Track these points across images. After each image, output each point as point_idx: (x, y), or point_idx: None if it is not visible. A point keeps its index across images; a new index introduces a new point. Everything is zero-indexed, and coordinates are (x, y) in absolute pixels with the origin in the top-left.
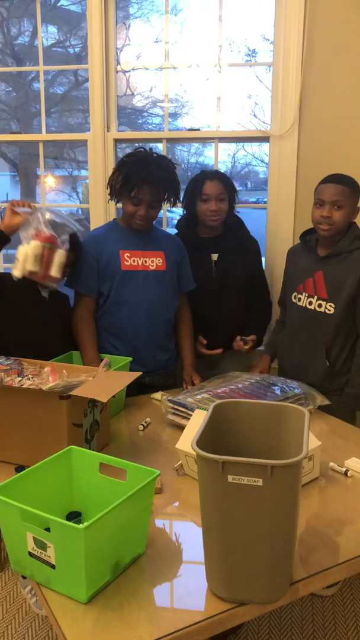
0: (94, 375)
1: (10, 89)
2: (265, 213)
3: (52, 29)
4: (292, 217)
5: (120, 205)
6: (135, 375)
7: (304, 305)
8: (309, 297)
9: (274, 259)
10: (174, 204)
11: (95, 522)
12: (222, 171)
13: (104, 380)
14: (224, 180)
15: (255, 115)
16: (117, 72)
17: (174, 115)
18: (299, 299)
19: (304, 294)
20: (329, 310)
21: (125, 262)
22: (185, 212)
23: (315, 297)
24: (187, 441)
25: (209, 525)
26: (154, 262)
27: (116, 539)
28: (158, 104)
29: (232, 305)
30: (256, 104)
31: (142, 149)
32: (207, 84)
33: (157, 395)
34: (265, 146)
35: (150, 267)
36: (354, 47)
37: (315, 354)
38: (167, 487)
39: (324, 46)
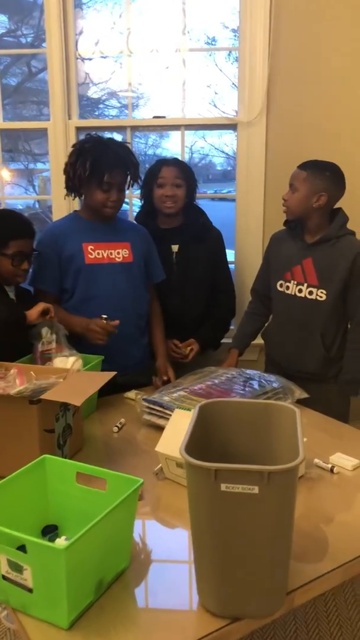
0: (64, 377)
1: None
2: (228, 205)
3: (3, 17)
4: (261, 206)
5: (76, 197)
6: (109, 375)
7: (292, 293)
8: (298, 284)
9: (244, 250)
10: (133, 184)
11: (76, 540)
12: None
13: (76, 381)
14: (182, 167)
15: (215, 105)
16: (77, 58)
17: (134, 107)
18: (287, 287)
19: (292, 281)
20: (321, 296)
21: (90, 255)
22: (143, 202)
23: (305, 284)
24: (166, 443)
25: (200, 538)
26: (120, 253)
27: (99, 555)
28: (119, 92)
29: (194, 297)
30: (216, 93)
31: (89, 134)
32: (168, 72)
33: (132, 394)
34: (226, 137)
35: (116, 259)
36: (323, 30)
37: (310, 343)
38: (147, 493)
39: (291, 28)
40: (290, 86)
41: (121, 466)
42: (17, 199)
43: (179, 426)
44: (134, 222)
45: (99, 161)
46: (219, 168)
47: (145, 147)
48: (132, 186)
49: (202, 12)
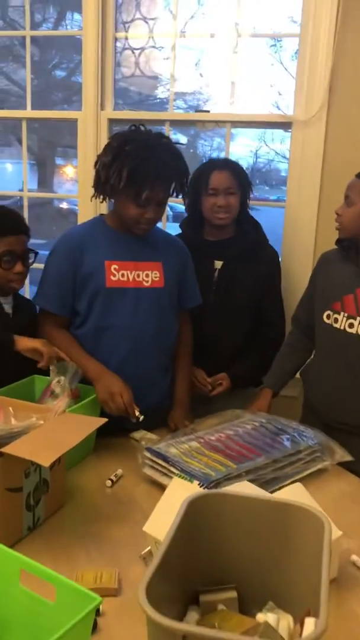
0: (46, 418)
1: (33, 76)
2: (282, 212)
3: (77, 16)
4: (314, 217)
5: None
6: (99, 422)
7: (341, 327)
8: (349, 317)
9: (291, 268)
10: (178, 195)
11: None
12: (245, 168)
13: (56, 428)
14: (235, 171)
15: (278, 108)
16: (115, 40)
17: (195, 108)
18: (335, 320)
19: (342, 313)
20: None
21: (112, 277)
22: (188, 211)
23: (358, 318)
24: (158, 522)
25: None
26: (149, 276)
27: None
28: (164, 85)
29: (233, 326)
30: (280, 94)
31: (135, 127)
32: (224, 66)
33: (138, 434)
34: (290, 142)
35: (144, 283)
36: None
37: (357, 389)
38: (128, 585)
39: None
40: (358, 82)
41: (105, 539)
42: (42, 196)
43: (174, 501)
44: (169, 232)
45: (140, 172)
46: (283, 174)
47: (210, 149)
48: (177, 195)
49: (263, 3)
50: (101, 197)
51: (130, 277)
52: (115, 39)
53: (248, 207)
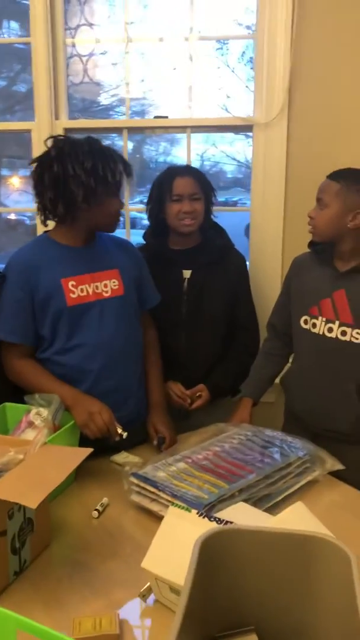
0: (26, 452)
1: None
2: (241, 216)
3: (14, 24)
4: (281, 220)
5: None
6: (84, 453)
7: (320, 332)
8: (327, 322)
9: (259, 272)
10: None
11: None
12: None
13: (38, 463)
14: (198, 177)
15: (227, 110)
16: (65, 45)
17: (140, 114)
18: (314, 324)
19: (320, 318)
20: (357, 338)
21: (72, 295)
22: (151, 221)
23: (337, 322)
24: (157, 557)
25: None
26: (108, 286)
27: None
28: (106, 91)
29: (208, 335)
30: (228, 97)
31: (54, 137)
32: (175, 72)
33: (120, 457)
34: (239, 144)
35: (104, 294)
36: (353, 16)
37: (342, 395)
38: (129, 627)
39: (318, 16)
40: (316, 80)
41: (97, 577)
42: (23, 210)
43: (173, 533)
44: (116, 236)
45: (112, 165)
46: (230, 176)
47: (155, 154)
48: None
49: (213, 9)
50: (57, 215)
51: (90, 291)
52: (65, 45)
53: (212, 213)
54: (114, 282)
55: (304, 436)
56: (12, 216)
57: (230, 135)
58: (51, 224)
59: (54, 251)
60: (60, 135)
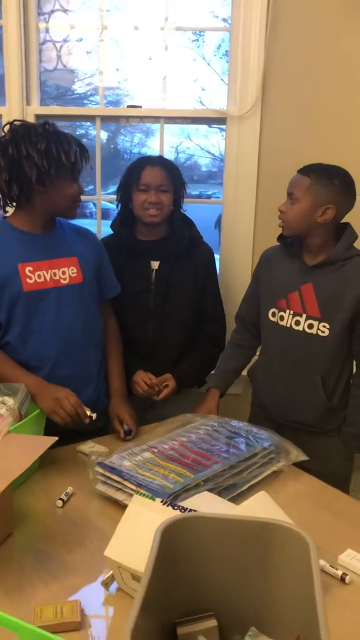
0: None
1: None
2: (215, 209)
3: None
4: (252, 213)
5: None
6: (49, 442)
7: (288, 325)
8: (295, 315)
9: (230, 264)
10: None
11: None
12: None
13: (1, 452)
14: (169, 168)
15: (202, 103)
16: (38, 31)
17: (115, 104)
18: (281, 317)
19: (287, 311)
20: (323, 331)
21: (28, 280)
22: (119, 208)
23: (304, 315)
24: (120, 546)
25: None
26: (66, 273)
27: None
28: (81, 79)
29: (175, 327)
30: (203, 89)
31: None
32: (150, 62)
33: (86, 447)
34: (213, 137)
35: (62, 281)
36: (328, 10)
37: (308, 387)
38: (92, 615)
39: (293, 11)
40: (290, 75)
41: (60, 566)
42: None
43: (137, 522)
44: (78, 225)
45: (67, 149)
46: (204, 169)
47: (130, 145)
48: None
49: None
50: (12, 198)
51: (47, 277)
52: (38, 29)
53: (181, 206)
54: (72, 269)
55: (270, 427)
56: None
57: (204, 128)
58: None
59: (12, 236)
60: (17, 120)
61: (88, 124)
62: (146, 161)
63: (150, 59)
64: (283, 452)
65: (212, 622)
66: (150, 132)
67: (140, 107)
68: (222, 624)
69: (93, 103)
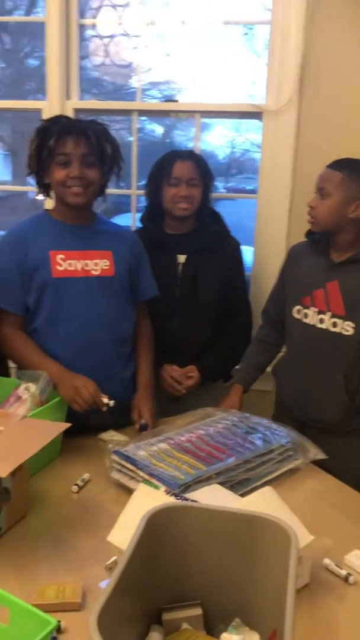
0: (7, 423)
1: (5, 65)
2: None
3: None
4: (287, 208)
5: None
6: (61, 427)
7: (312, 323)
8: (319, 313)
9: (263, 260)
10: (117, 173)
11: None
12: (222, 158)
13: (15, 434)
14: (199, 163)
15: (252, 97)
16: (80, 27)
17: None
18: (305, 315)
19: (312, 308)
20: (347, 330)
21: (58, 267)
22: (148, 202)
23: (329, 313)
24: (123, 532)
25: None
26: (98, 265)
27: None
28: (145, 74)
29: (200, 320)
30: (254, 83)
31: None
32: (196, 55)
33: (107, 435)
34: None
35: (93, 272)
36: None
37: (330, 386)
38: (93, 598)
39: (332, 1)
40: (328, 69)
41: (69, 549)
42: (6, 189)
43: (139, 509)
44: (120, 225)
45: (47, 131)
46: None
47: (186, 140)
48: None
49: None
50: (41, 187)
51: (79, 267)
52: (81, 26)
53: (209, 200)
54: (105, 262)
55: (292, 425)
56: (41, 197)
57: (255, 123)
58: None
59: (48, 225)
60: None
61: (144, 118)
62: (177, 155)
63: (196, 52)
64: (301, 450)
65: (197, 611)
66: (205, 127)
67: (176, 101)
68: (208, 613)
69: (150, 97)
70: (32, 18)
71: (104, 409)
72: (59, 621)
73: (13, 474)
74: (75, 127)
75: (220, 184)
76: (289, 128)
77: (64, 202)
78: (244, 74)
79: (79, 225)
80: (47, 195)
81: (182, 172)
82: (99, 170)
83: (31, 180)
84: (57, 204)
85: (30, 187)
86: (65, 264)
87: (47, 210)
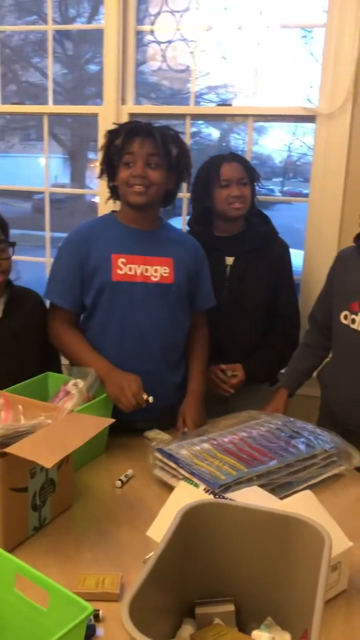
0: (55, 417)
1: (67, 70)
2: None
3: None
4: (338, 212)
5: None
6: (106, 422)
7: (359, 329)
8: None
9: (314, 264)
10: (187, 179)
11: None
12: (279, 162)
13: (63, 428)
14: (245, 163)
15: (310, 101)
16: (137, 33)
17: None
18: (353, 320)
19: (359, 314)
20: None
21: (119, 271)
22: (195, 207)
23: None
24: (161, 528)
25: None
26: (158, 271)
27: None
28: (202, 78)
29: (248, 323)
30: (311, 87)
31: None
32: (252, 59)
33: (151, 433)
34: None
35: (152, 278)
36: None
37: None
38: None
39: None
40: None
41: (110, 541)
42: (64, 192)
43: (178, 506)
44: (185, 232)
45: (116, 134)
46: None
47: (242, 144)
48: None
49: None
50: (111, 192)
51: (138, 272)
52: (138, 32)
53: (255, 201)
54: (165, 269)
55: (336, 431)
56: (97, 199)
57: (311, 126)
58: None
59: (113, 228)
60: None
61: (200, 122)
62: (221, 158)
63: (251, 57)
64: (345, 456)
65: (230, 607)
66: (262, 130)
67: (229, 105)
68: (240, 610)
69: (206, 102)
70: (92, 25)
71: (144, 405)
72: (98, 610)
73: (58, 465)
74: (142, 129)
75: (276, 188)
76: (342, 132)
77: (127, 202)
78: (301, 77)
79: (142, 230)
80: (118, 198)
81: (232, 173)
82: (164, 172)
83: (90, 184)
84: (123, 206)
85: (88, 190)
86: (125, 268)
87: (113, 211)
